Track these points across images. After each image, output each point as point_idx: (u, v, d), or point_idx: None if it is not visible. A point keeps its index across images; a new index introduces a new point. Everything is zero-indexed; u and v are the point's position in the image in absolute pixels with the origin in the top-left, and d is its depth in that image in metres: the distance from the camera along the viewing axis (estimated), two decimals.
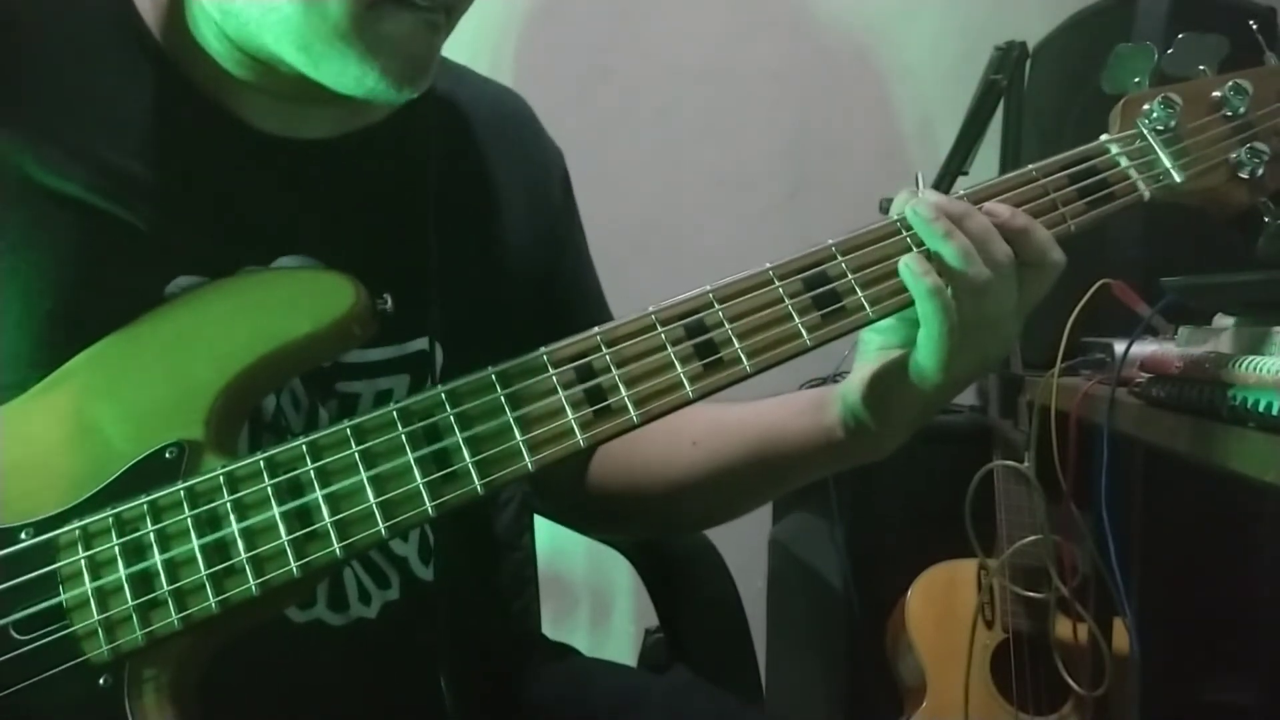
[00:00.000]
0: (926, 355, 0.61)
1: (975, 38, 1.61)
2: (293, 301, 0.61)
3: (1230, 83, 0.69)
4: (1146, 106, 0.68)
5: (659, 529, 0.89)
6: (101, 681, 0.54)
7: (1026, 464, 1.29)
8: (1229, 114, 0.69)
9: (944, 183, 1.44)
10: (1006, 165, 1.35)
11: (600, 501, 0.82)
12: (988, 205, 0.62)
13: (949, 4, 1.92)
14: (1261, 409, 0.68)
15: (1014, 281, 0.61)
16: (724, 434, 0.66)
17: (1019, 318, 0.63)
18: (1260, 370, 0.69)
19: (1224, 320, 0.82)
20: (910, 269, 0.60)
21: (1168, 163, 0.67)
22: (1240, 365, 0.71)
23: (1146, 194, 0.67)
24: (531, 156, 0.81)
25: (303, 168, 0.68)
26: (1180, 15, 1.27)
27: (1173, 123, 0.68)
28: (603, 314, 0.84)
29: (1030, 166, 0.66)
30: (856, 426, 0.69)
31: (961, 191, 0.64)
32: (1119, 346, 0.97)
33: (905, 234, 0.63)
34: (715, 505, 0.79)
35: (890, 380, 0.65)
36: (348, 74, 0.60)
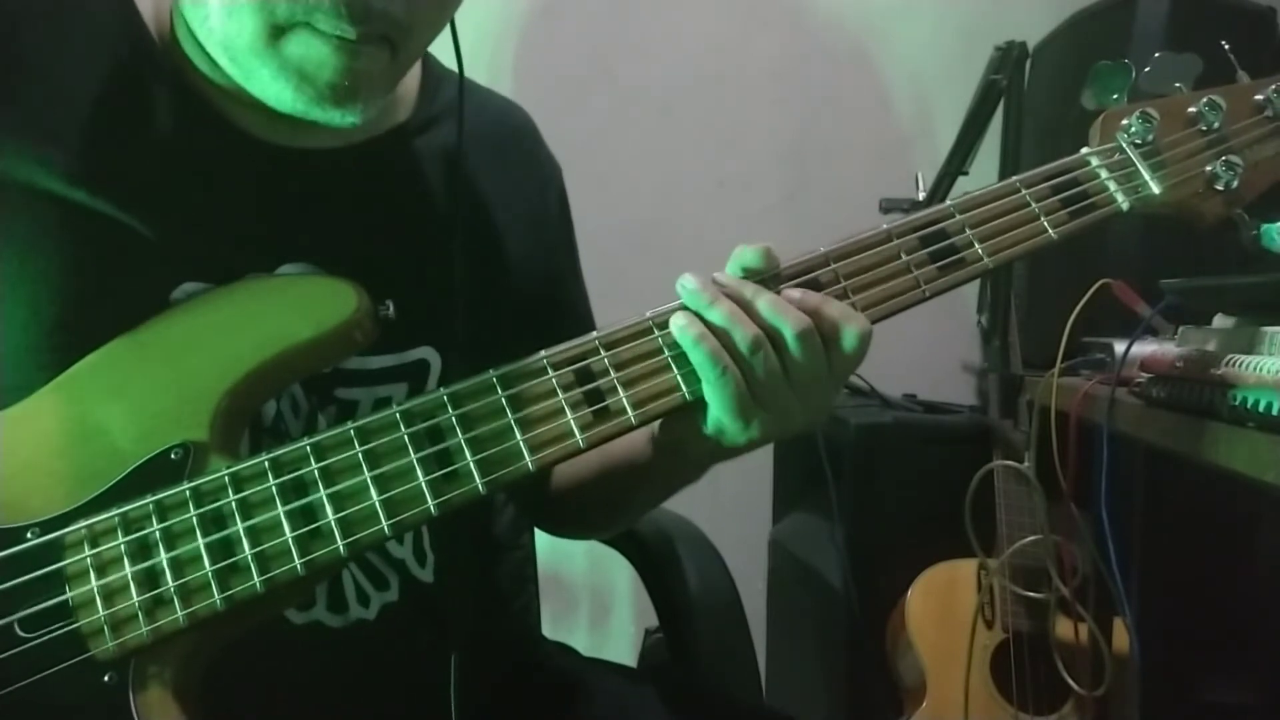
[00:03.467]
0: (716, 406, 0.60)
1: (975, 38, 1.61)
2: (296, 307, 0.61)
3: (1205, 99, 0.71)
4: (1125, 121, 0.70)
5: (554, 532, 0.92)
6: (107, 678, 0.55)
7: (1026, 464, 1.30)
8: (1204, 128, 0.71)
9: (944, 183, 1.44)
10: (1006, 165, 1.35)
11: (546, 506, 0.85)
12: (784, 290, 0.62)
13: (949, 4, 1.92)
14: (1261, 409, 0.68)
15: (816, 349, 0.60)
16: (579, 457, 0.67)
17: (832, 387, 0.63)
18: (1260, 370, 0.70)
19: (1224, 321, 0.83)
20: (677, 323, 0.61)
21: (1146, 175, 0.69)
22: (1240, 365, 0.72)
23: (1125, 205, 0.68)
24: (532, 171, 0.82)
25: (305, 177, 0.68)
26: (1179, 16, 1.27)
27: (1150, 137, 0.70)
28: (589, 330, 0.84)
29: (1015, 178, 0.68)
30: (661, 451, 0.69)
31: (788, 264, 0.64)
32: (1119, 346, 0.98)
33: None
34: (580, 518, 0.84)
35: (678, 427, 0.64)
36: (269, 89, 0.60)
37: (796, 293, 0.62)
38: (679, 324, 0.61)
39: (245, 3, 0.57)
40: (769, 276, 0.63)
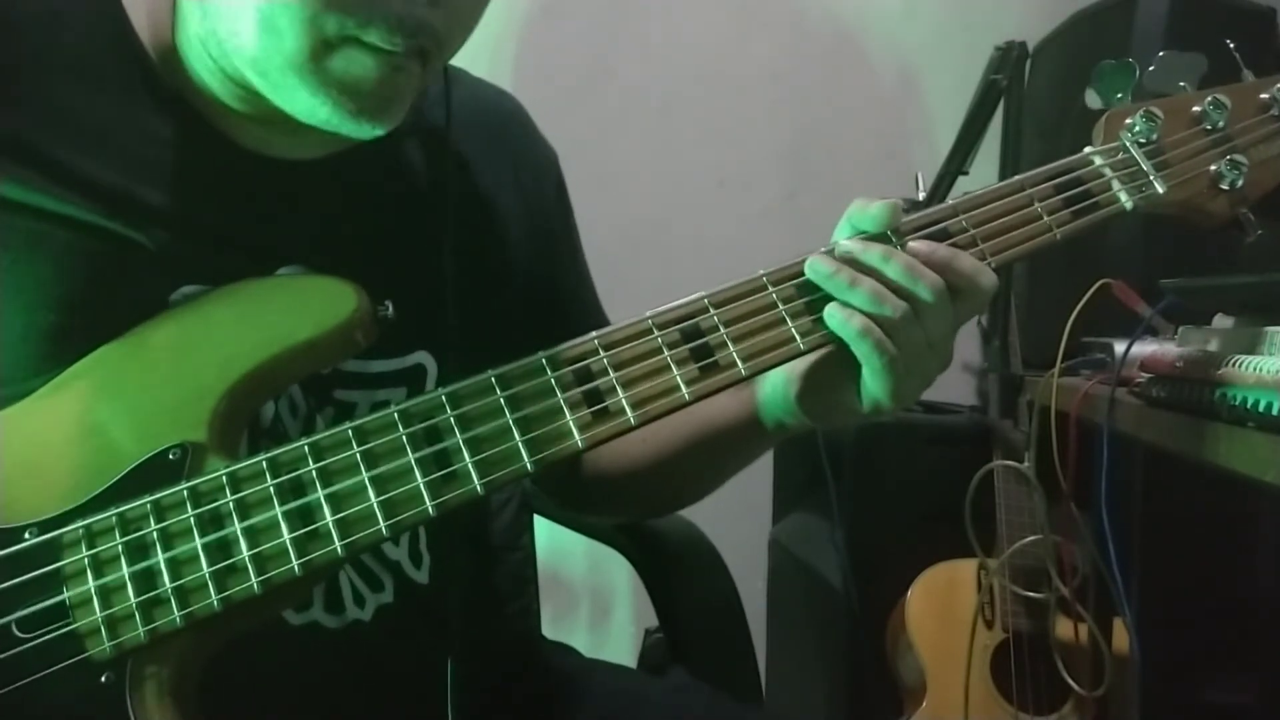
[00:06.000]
0: (877, 389, 0.62)
1: (975, 38, 1.61)
2: (296, 307, 0.61)
3: (1210, 98, 0.71)
4: (1129, 121, 0.70)
5: (621, 513, 0.93)
6: (104, 679, 0.54)
7: (1026, 464, 1.30)
8: (1209, 128, 0.71)
9: (944, 183, 1.44)
10: (1006, 165, 1.35)
11: (587, 485, 0.84)
12: (910, 244, 0.63)
13: (949, 4, 1.92)
14: (1261, 409, 0.68)
15: (947, 308, 0.62)
16: (667, 426, 0.67)
17: (952, 336, 0.64)
18: (1260, 370, 0.69)
19: (1224, 320, 0.82)
20: (835, 317, 0.61)
21: (1150, 174, 0.69)
22: (1240, 365, 0.71)
23: (1129, 204, 0.68)
24: (525, 160, 0.81)
25: (298, 185, 0.68)
26: (1179, 16, 1.27)
27: (1154, 136, 0.70)
28: (598, 317, 0.84)
29: (1017, 177, 0.68)
30: (783, 419, 0.70)
31: (906, 215, 0.65)
32: (1119, 346, 0.97)
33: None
34: (664, 492, 0.83)
35: (829, 394, 0.66)
36: (301, 104, 0.60)
37: (924, 246, 0.62)
38: (837, 317, 0.61)
39: (290, 20, 0.57)
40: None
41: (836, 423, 0.68)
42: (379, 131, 0.61)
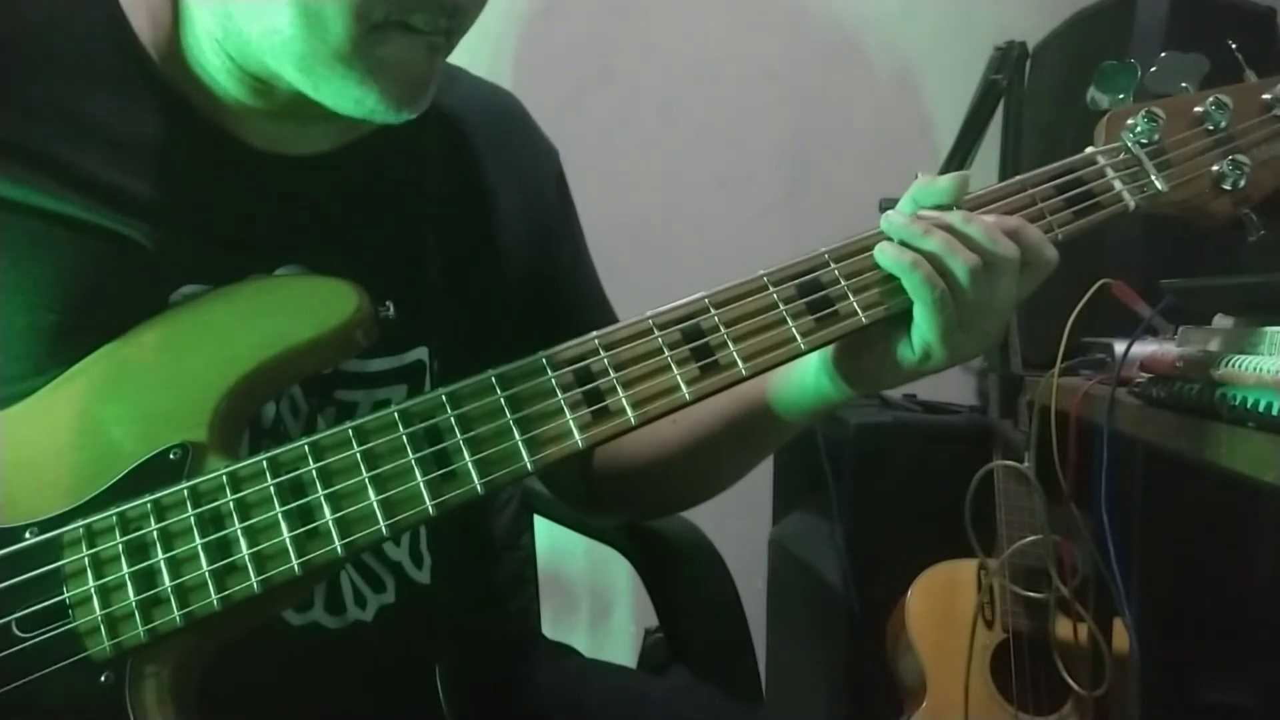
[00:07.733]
0: (929, 329, 0.63)
1: (975, 38, 1.61)
2: (296, 307, 0.61)
3: (1212, 98, 0.71)
4: (1131, 121, 0.70)
5: (651, 508, 0.91)
6: (103, 678, 0.55)
7: (1026, 464, 1.30)
8: (1211, 128, 0.71)
9: None
10: (1006, 165, 1.35)
11: (596, 485, 0.83)
12: (980, 216, 0.64)
13: (949, 4, 1.92)
14: (1261, 409, 0.68)
15: (1017, 273, 0.64)
16: (699, 406, 0.67)
17: (1011, 309, 0.66)
18: (1260, 370, 0.69)
19: (1224, 321, 0.82)
20: (886, 253, 0.63)
21: (1152, 174, 0.69)
22: (1240, 365, 0.72)
23: (1132, 204, 0.68)
24: (524, 156, 0.81)
25: (298, 183, 0.68)
26: (1180, 15, 1.27)
27: (1156, 136, 0.70)
28: (604, 312, 0.84)
29: (1018, 177, 0.68)
30: (821, 389, 0.70)
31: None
32: (1119, 346, 0.97)
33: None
34: (700, 477, 0.81)
35: (867, 354, 0.66)
36: (347, 96, 0.60)
37: (992, 218, 0.64)
38: (888, 252, 0.63)
39: (337, 8, 0.56)
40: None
41: (883, 384, 0.69)
42: (412, 115, 0.61)
